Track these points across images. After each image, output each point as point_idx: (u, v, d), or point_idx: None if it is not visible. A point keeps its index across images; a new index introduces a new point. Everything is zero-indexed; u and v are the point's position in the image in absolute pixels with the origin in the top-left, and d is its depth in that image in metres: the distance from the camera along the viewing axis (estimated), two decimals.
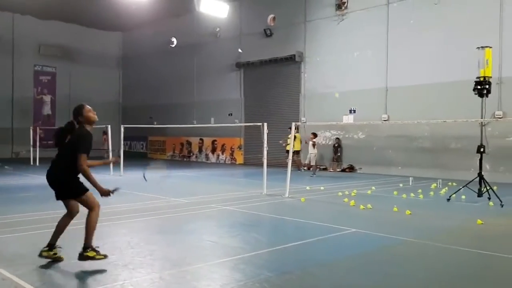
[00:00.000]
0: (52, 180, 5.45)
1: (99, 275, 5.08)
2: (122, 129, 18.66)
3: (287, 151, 20.23)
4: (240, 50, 21.39)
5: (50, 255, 5.43)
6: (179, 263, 5.68)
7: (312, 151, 18.41)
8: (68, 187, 5.45)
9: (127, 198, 10.85)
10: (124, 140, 19.03)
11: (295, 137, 19.92)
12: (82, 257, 5.30)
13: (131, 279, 4.97)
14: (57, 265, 5.42)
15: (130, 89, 33.48)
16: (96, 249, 5.39)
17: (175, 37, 28.26)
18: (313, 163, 18.50)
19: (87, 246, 5.34)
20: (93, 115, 5.55)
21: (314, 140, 18.56)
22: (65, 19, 29.76)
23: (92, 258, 5.29)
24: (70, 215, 5.61)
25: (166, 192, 12.26)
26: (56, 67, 30.86)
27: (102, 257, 5.35)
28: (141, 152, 31.36)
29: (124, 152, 18.64)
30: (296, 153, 20.00)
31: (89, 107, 5.59)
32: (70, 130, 5.51)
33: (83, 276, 5.09)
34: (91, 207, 5.45)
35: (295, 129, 19.94)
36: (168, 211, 9.56)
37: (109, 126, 18.91)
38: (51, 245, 5.48)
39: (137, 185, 13.90)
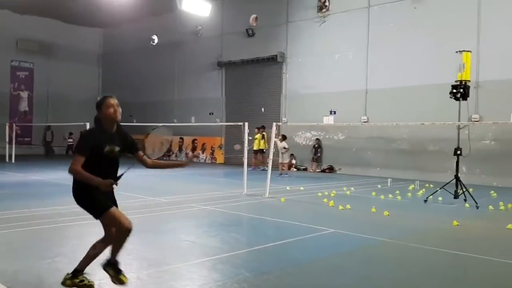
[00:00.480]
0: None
1: None
2: None
3: (254, 152, 20.44)
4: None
5: (75, 283, 4.54)
6: (157, 262, 5.64)
7: (282, 151, 18.20)
8: (82, 203, 4.50)
9: None
10: None
11: (263, 135, 20.19)
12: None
13: (107, 279, 4.88)
14: (32, 264, 5.32)
15: (110, 86, 33.03)
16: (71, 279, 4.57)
17: (156, 35, 28.06)
18: (286, 161, 18.59)
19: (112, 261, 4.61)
20: (112, 112, 4.53)
21: (277, 138, 18.02)
22: (44, 14, 29.25)
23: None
24: (106, 239, 4.66)
25: (144, 191, 12.15)
26: (33, 63, 30.31)
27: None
28: None
29: None
30: (261, 151, 20.21)
31: (113, 101, 4.58)
32: None
33: (58, 276, 4.99)
34: (117, 227, 4.50)
35: (262, 128, 20.24)
36: (147, 210, 9.48)
37: (87, 124, 18.62)
38: (77, 272, 4.57)
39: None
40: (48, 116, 30.25)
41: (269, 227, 8.43)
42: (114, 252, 4.60)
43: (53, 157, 26.66)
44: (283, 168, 18.44)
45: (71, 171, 4.32)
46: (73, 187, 4.48)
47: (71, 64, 31.24)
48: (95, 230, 7.35)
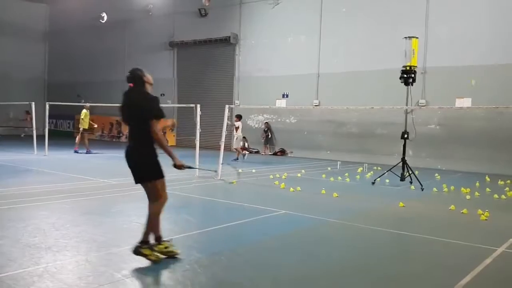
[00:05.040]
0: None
1: (20, 258, 4.84)
2: (47, 107, 17.76)
3: (84, 130, 18.59)
4: None
5: (161, 250, 5.02)
6: (107, 245, 5.54)
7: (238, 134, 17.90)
8: (145, 165, 5.22)
9: (53, 179, 10.40)
10: (49, 118, 18.19)
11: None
12: (136, 251, 4.87)
13: (54, 262, 4.78)
14: None
15: (56, 64, 31.87)
16: (154, 247, 4.96)
17: (105, 12, 27.17)
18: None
19: (144, 240, 4.92)
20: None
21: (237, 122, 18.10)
22: None
23: (145, 256, 4.86)
24: (158, 200, 5.27)
25: (93, 173, 11.87)
26: None
27: (155, 258, 4.87)
28: (67, 131, 30.12)
29: (49, 131, 17.80)
30: (85, 131, 18.82)
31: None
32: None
33: (1, 260, 4.82)
34: (160, 194, 5.21)
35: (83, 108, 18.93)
36: (96, 192, 9.27)
37: (33, 104, 17.95)
38: (158, 239, 5.07)
39: (62, 165, 13.41)
40: None
41: (220, 209, 8.45)
42: (148, 229, 4.94)
43: None
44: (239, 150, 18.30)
45: (158, 135, 4.96)
46: (138, 150, 5.09)
47: (14, 40, 29.81)
48: (43, 212, 7.16)
